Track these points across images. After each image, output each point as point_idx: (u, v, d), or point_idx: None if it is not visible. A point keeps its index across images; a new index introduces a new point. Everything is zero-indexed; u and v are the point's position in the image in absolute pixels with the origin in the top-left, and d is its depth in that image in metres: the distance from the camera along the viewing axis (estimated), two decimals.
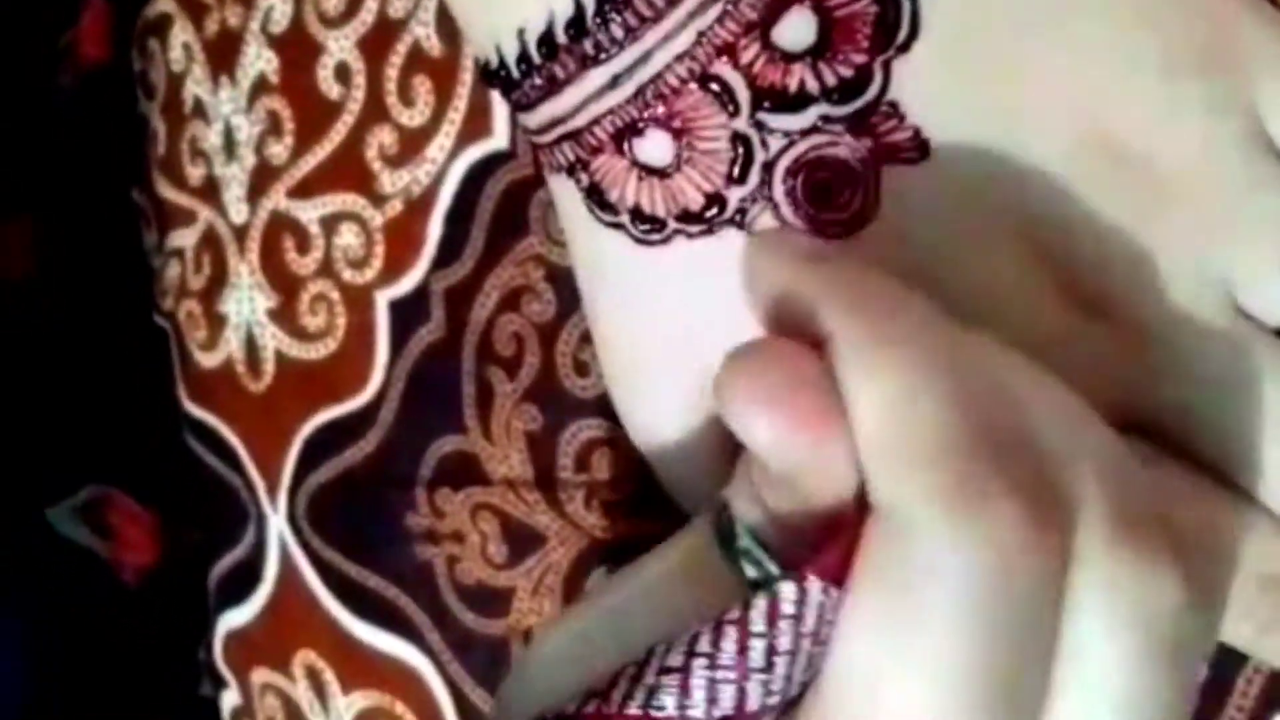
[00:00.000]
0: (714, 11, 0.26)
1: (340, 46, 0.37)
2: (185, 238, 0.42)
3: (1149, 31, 0.26)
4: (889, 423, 0.23)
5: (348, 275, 0.38)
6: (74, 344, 0.45)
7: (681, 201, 0.27)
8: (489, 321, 0.36)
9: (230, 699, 0.44)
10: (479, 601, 0.37)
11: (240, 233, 0.40)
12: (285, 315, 0.39)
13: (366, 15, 0.37)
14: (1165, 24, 0.26)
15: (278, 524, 0.40)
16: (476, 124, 0.35)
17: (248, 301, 0.40)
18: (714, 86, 0.26)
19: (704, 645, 0.23)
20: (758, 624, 0.23)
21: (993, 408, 0.23)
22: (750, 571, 0.25)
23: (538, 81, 0.27)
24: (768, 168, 0.27)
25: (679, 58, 0.26)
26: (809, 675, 0.23)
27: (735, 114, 0.26)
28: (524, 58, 0.27)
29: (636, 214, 0.28)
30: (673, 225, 0.27)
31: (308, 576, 0.40)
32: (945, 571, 0.22)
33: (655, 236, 0.28)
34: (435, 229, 0.36)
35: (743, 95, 0.26)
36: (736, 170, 0.27)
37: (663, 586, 0.26)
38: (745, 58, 0.26)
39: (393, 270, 0.37)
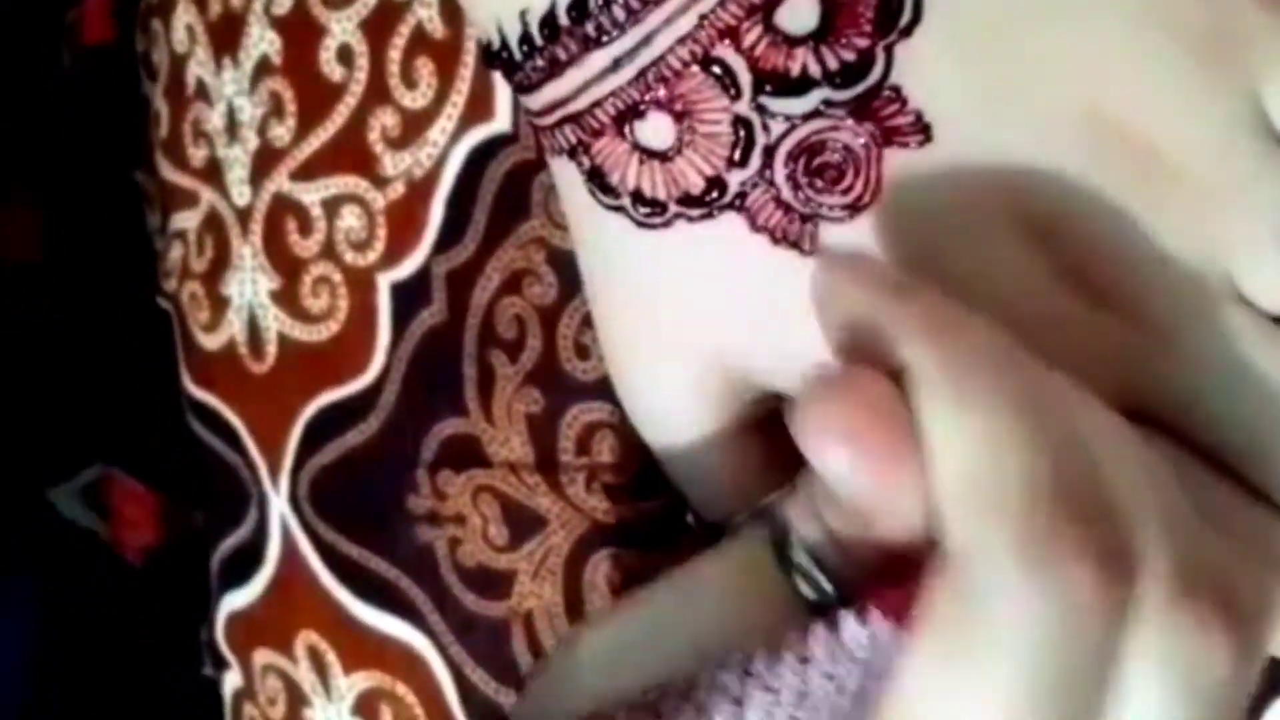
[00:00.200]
0: None
1: (343, 28, 0.37)
2: (188, 219, 0.42)
3: (1152, 16, 0.26)
4: (970, 466, 0.22)
5: (350, 257, 0.38)
6: (77, 326, 0.45)
7: (682, 185, 0.27)
8: (491, 304, 0.36)
9: (232, 680, 0.44)
10: (480, 583, 0.37)
11: (243, 215, 0.40)
12: (287, 297, 0.39)
13: None
14: (1168, 9, 0.26)
15: (280, 505, 0.40)
16: (479, 106, 0.35)
17: (250, 283, 0.40)
18: (716, 70, 0.26)
19: (760, 671, 0.23)
20: (818, 656, 0.23)
21: (1072, 458, 0.23)
22: (807, 591, 0.25)
23: (539, 63, 0.27)
24: (769, 151, 0.27)
25: (681, 40, 0.26)
26: (864, 712, 0.23)
27: (737, 97, 0.26)
28: (526, 39, 0.27)
29: (637, 197, 0.28)
30: (674, 208, 0.27)
31: (309, 558, 0.40)
32: (1014, 629, 0.22)
33: (656, 219, 0.28)
34: (437, 211, 0.36)
35: (744, 79, 0.26)
36: (738, 154, 0.27)
37: (710, 597, 0.26)
38: (747, 41, 0.26)
39: (395, 253, 0.37)
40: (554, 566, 0.36)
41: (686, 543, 0.31)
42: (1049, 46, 0.26)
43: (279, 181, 0.39)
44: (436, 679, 0.38)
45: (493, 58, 0.28)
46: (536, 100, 0.28)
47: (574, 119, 0.28)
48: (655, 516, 0.34)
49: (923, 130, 0.26)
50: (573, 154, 0.28)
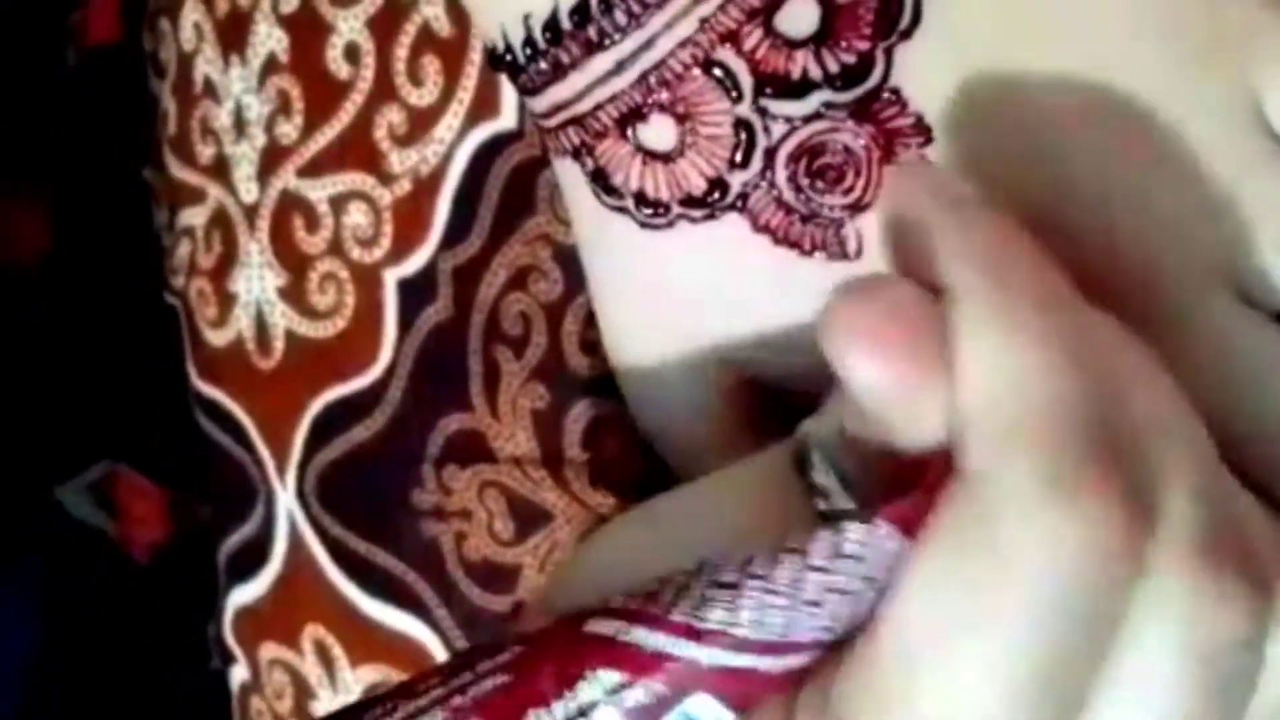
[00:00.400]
0: None
1: (350, 26, 0.37)
2: (196, 216, 0.42)
3: (1148, 15, 0.26)
4: (998, 391, 0.22)
5: (356, 254, 0.38)
6: (84, 322, 0.45)
7: (684, 186, 0.27)
8: (496, 301, 0.36)
9: (239, 674, 0.44)
10: (486, 578, 0.37)
11: (250, 211, 0.40)
12: (295, 294, 0.39)
13: None
14: (1166, 10, 0.26)
15: (287, 501, 0.41)
16: (484, 104, 0.35)
17: (258, 280, 0.40)
18: (717, 72, 0.26)
19: (758, 568, 0.22)
20: (817, 558, 0.22)
21: (1104, 397, 0.22)
22: (820, 504, 0.24)
23: (543, 66, 0.28)
24: (770, 153, 0.27)
25: (682, 44, 0.26)
26: (864, 620, 0.22)
27: (738, 100, 0.27)
28: (530, 43, 0.27)
29: (640, 198, 0.28)
30: (676, 209, 0.28)
31: (316, 553, 0.40)
32: (1027, 558, 0.21)
33: (659, 220, 0.28)
34: (443, 208, 0.36)
35: (745, 81, 0.26)
36: (739, 155, 0.27)
37: (729, 504, 0.26)
38: (748, 44, 0.26)
39: (401, 249, 0.37)
40: (559, 561, 0.36)
41: None
42: (1048, 48, 0.26)
43: (286, 178, 0.39)
44: None
45: (497, 61, 0.29)
46: (540, 103, 0.28)
47: (577, 121, 0.28)
48: None
49: (923, 132, 0.26)
50: (576, 155, 0.28)
